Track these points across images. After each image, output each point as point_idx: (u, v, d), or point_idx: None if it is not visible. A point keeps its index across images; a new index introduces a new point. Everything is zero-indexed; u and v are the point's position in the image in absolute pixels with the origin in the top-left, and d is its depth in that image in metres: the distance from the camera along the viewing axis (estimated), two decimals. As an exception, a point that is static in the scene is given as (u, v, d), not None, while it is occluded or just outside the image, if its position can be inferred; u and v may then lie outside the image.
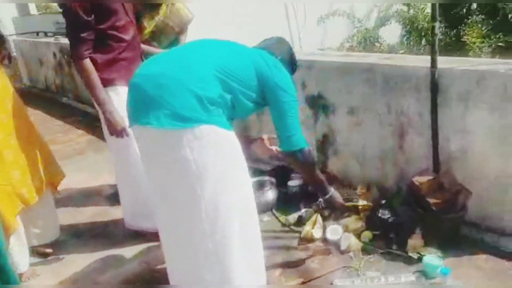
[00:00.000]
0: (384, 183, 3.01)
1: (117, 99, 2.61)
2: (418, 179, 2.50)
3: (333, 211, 2.66)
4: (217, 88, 1.99)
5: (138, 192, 2.79)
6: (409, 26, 6.43)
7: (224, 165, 2.01)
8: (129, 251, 2.84)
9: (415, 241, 2.54)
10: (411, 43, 6.41)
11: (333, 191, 2.48)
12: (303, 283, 2.40)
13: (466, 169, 2.58)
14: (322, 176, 2.48)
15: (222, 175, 2.01)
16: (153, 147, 2.02)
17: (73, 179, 3.34)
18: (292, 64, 2.44)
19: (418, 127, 2.72)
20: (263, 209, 3.18)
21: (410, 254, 2.48)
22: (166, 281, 2.45)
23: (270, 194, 3.21)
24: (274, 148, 2.60)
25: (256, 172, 3.38)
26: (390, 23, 6.78)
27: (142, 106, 1.95)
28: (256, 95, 2.19)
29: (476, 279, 2.31)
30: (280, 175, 3.34)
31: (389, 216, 2.77)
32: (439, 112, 2.58)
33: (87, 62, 2.53)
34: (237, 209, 2.08)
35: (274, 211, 3.16)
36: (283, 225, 2.99)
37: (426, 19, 5.95)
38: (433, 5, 2.58)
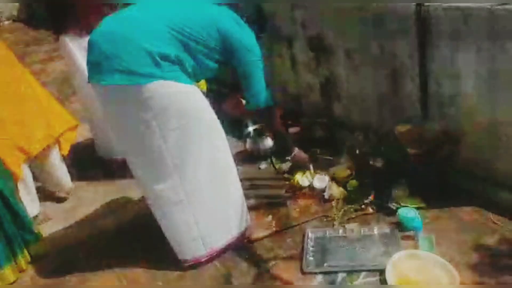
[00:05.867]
0: (382, 128, 2.87)
1: None
2: (398, 128, 2.37)
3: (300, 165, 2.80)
4: (172, 47, 2.00)
5: (105, 130, 3.06)
6: None
7: (185, 118, 2.05)
8: (131, 198, 3.02)
9: (398, 191, 2.46)
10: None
11: (296, 151, 2.72)
12: (277, 232, 2.44)
13: (457, 116, 2.39)
14: (284, 132, 2.67)
15: (184, 127, 2.06)
16: (112, 105, 2.09)
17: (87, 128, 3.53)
18: (260, 21, 2.37)
19: (410, 70, 2.53)
20: (262, 156, 3.21)
21: (389, 205, 2.41)
22: (156, 229, 2.60)
23: (268, 141, 3.20)
24: None
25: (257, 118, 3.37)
26: None
27: (97, 63, 2.01)
28: (219, 56, 2.16)
29: (452, 232, 2.21)
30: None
31: (379, 164, 2.68)
32: (429, 54, 2.37)
33: None
34: (205, 159, 2.15)
35: (272, 158, 3.16)
36: (277, 172, 3.00)
37: None
38: None
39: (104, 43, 1.99)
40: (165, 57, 1.96)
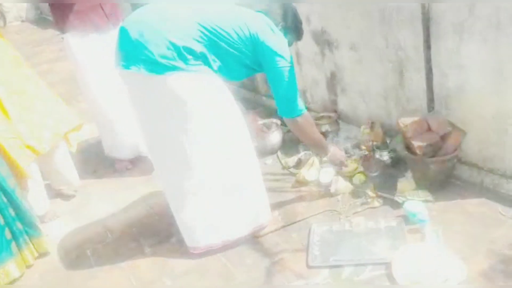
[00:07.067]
0: (388, 121, 2.86)
1: None
2: (403, 121, 2.35)
3: (336, 165, 2.62)
4: (198, 43, 2.01)
5: (113, 130, 3.23)
6: None
7: (207, 110, 2.08)
8: (138, 195, 3.02)
9: (404, 184, 2.44)
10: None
11: (332, 150, 2.48)
12: (283, 226, 2.43)
13: (463, 108, 2.37)
14: (320, 137, 2.48)
15: (206, 120, 2.09)
16: (137, 92, 2.14)
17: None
18: (296, 30, 2.35)
19: (415, 62, 2.51)
20: (268, 151, 3.20)
21: (396, 198, 2.39)
22: (163, 225, 2.64)
23: (275, 137, 3.20)
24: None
25: (260, 114, 3.38)
26: None
27: (125, 51, 2.05)
28: (250, 61, 2.16)
29: (459, 224, 2.19)
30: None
31: (386, 157, 2.67)
32: (434, 45, 2.35)
33: None
34: (226, 152, 2.17)
35: (279, 153, 3.15)
36: (283, 167, 2.99)
37: None
38: None
39: (134, 32, 2.02)
40: (189, 52, 1.98)
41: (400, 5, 2.44)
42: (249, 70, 2.20)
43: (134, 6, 3.23)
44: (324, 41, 3.09)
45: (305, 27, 3.14)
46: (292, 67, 2.17)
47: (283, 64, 2.13)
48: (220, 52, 2.05)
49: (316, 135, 2.41)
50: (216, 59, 2.06)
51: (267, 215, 2.41)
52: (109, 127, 3.25)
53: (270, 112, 3.42)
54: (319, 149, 2.51)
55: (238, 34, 2.06)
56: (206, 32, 2.01)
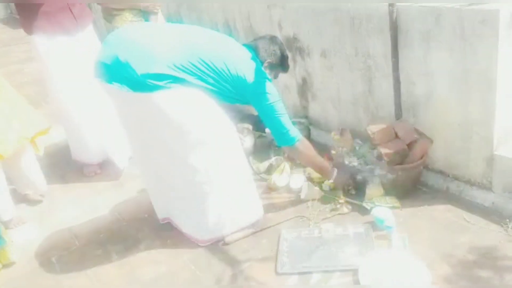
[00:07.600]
0: (358, 128, 2.88)
1: None
2: (371, 128, 2.38)
3: (342, 186, 2.58)
4: (188, 74, 2.04)
5: (80, 134, 3.17)
6: None
7: (195, 120, 2.12)
8: (107, 201, 2.97)
9: (372, 190, 2.47)
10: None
11: (335, 173, 2.49)
12: (253, 233, 2.43)
13: (430, 116, 2.41)
14: (322, 160, 2.50)
15: (194, 129, 2.12)
16: (121, 102, 2.19)
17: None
18: (282, 65, 2.41)
19: (383, 70, 2.54)
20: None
21: (364, 204, 2.42)
22: (131, 232, 2.61)
23: (247, 142, 3.19)
24: None
25: (233, 119, 3.36)
26: None
27: (109, 65, 2.03)
28: (236, 96, 2.21)
29: (425, 231, 2.22)
30: (259, 122, 3.29)
31: (355, 163, 2.69)
32: (402, 54, 2.39)
33: None
34: (217, 155, 2.21)
35: (250, 158, 3.15)
36: (255, 173, 2.99)
37: None
38: None
39: (121, 49, 2.02)
40: (175, 80, 2.01)
41: (369, 14, 2.48)
42: (235, 100, 2.26)
43: (104, 8, 3.20)
44: (296, 48, 3.10)
45: (277, 33, 3.20)
46: (279, 100, 2.23)
47: (271, 101, 2.21)
48: (207, 85, 2.10)
49: (317, 159, 2.46)
50: (202, 89, 2.10)
51: (259, 211, 2.45)
52: (76, 131, 3.19)
53: (242, 117, 3.40)
54: (322, 173, 2.53)
55: (226, 73, 2.12)
56: (196, 66, 2.05)
